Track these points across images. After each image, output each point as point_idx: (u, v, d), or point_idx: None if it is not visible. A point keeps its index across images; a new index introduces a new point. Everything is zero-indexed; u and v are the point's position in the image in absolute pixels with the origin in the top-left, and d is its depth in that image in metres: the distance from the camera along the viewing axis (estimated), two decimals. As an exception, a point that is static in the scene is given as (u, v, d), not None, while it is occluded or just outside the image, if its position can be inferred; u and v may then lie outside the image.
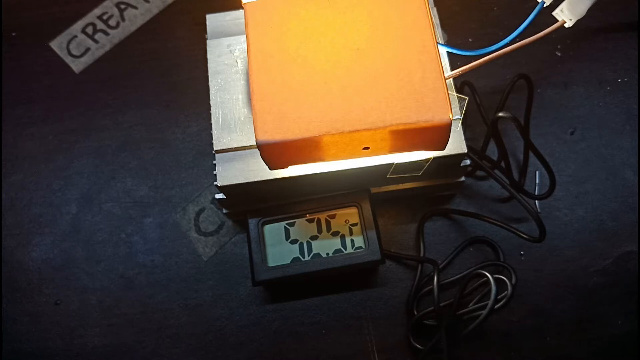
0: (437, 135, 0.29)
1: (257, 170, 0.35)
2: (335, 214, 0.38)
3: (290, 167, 0.35)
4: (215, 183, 0.35)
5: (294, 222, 0.37)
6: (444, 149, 0.31)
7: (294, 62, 0.30)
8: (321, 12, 0.31)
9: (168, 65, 0.47)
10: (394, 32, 0.30)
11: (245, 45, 0.38)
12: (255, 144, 0.35)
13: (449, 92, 0.34)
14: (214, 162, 0.36)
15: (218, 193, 0.37)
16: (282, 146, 0.29)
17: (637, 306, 0.38)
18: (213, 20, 0.39)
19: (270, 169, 0.32)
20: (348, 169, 0.35)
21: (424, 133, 0.29)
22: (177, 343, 0.39)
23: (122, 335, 0.39)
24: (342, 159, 0.32)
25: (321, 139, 0.29)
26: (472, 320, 0.34)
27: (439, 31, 0.37)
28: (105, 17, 0.49)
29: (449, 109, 0.28)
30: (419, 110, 0.28)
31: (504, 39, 0.35)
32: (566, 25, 0.35)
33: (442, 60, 0.30)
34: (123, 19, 0.49)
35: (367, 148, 0.30)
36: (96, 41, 0.48)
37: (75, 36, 0.48)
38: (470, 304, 0.35)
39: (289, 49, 0.30)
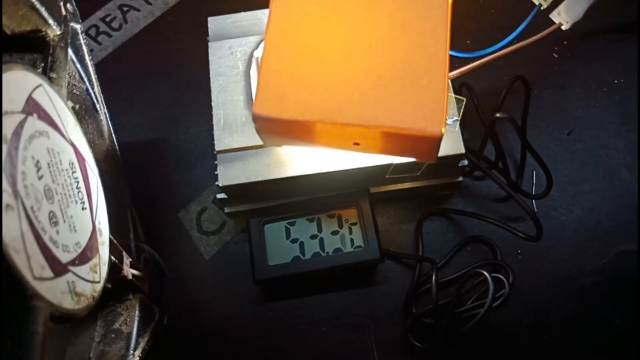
0: (427, 145, 0.29)
1: (258, 171, 0.35)
2: (335, 214, 0.38)
3: (290, 167, 0.35)
4: (216, 183, 0.36)
5: (295, 221, 0.38)
6: (434, 161, 0.31)
7: (307, 47, 0.30)
8: (343, 4, 0.31)
9: (170, 67, 0.47)
10: (410, 35, 0.30)
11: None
12: (256, 144, 0.35)
13: (447, 93, 0.35)
14: (216, 162, 0.36)
15: (220, 193, 0.37)
16: (276, 123, 0.29)
17: (634, 305, 0.38)
18: (215, 23, 0.39)
19: (265, 145, 0.33)
20: (348, 169, 0.35)
21: (414, 141, 0.29)
22: (177, 343, 0.39)
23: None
24: (333, 149, 0.32)
25: (314, 125, 0.29)
26: (471, 319, 0.34)
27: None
28: (108, 20, 0.49)
29: (444, 123, 0.28)
30: (414, 117, 0.28)
31: (502, 41, 0.35)
32: (563, 27, 0.36)
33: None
34: (125, 21, 0.49)
35: (357, 144, 0.31)
36: (99, 43, 0.48)
37: (79, 38, 0.49)
38: (469, 303, 0.36)
39: (305, 34, 0.30)
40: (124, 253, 0.32)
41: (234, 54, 0.38)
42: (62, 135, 0.28)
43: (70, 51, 0.33)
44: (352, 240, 0.37)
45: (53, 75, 0.30)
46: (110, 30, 0.49)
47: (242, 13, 0.40)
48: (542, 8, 0.36)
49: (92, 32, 0.49)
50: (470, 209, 0.41)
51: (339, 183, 0.37)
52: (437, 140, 0.28)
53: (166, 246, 0.42)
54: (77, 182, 0.28)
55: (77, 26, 0.34)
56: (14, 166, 0.22)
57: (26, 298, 0.19)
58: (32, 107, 0.25)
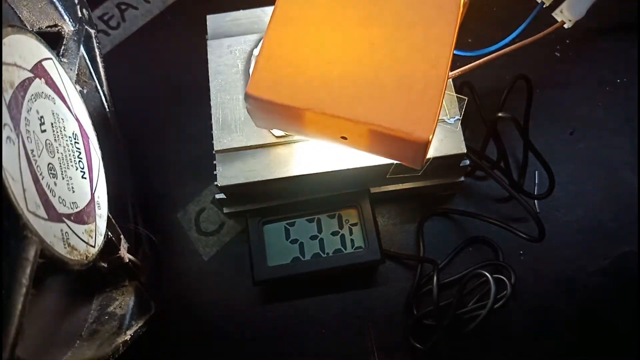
0: (413, 150, 0.29)
1: (257, 170, 0.35)
2: (335, 214, 0.38)
3: (290, 167, 0.35)
4: (215, 183, 0.35)
5: (294, 222, 0.38)
6: (419, 167, 0.31)
7: (310, 35, 0.30)
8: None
9: (168, 66, 0.47)
10: (415, 37, 0.30)
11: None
12: (255, 144, 0.35)
13: (449, 92, 0.34)
14: (215, 162, 0.36)
15: (218, 193, 0.37)
16: (267, 105, 0.29)
17: (636, 306, 0.38)
18: (213, 21, 0.39)
19: (256, 126, 0.33)
20: (348, 169, 0.35)
21: (400, 143, 0.29)
22: (177, 343, 0.39)
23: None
24: (322, 139, 0.32)
25: (304, 113, 0.29)
26: (472, 320, 0.34)
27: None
28: (106, 18, 0.49)
29: (433, 130, 0.28)
30: (404, 120, 0.28)
31: (504, 39, 0.35)
32: (566, 25, 0.36)
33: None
34: (124, 20, 0.49)
35: (345, 138, 0.30)
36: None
37: (76, 37, 0.48)
38: (470, 304, 0.35)
39: (310, 23, 0.30)
40: (122, 236, 0.32)
41: (233, 52, 0.38)
42: (68, 108, 0.30)
43: (82, 50, 0.35)
44: (352, 240, 0.37)
45: (64, 60, 0.32)
46: (108, 29, 0.48)
47: (241, 11, 0.39)
48: (544, 6, 0.35)
49: (90, 30, 0.48)
50: (472, 209, 0.41)
51: (339, 183, 0.37)
52: (423, 146, 0.28)
53: (164, 247, 0.41)
54: (79, 152, 0.30)
55: (92, 31, 0.37)
56: (18, 110, 0.24)
57: (19, 226, 0.21)
58: (40, 72, 0.27)
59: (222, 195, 0.37)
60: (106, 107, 0.38)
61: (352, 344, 0.38)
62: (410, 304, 0.39)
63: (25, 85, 0.25)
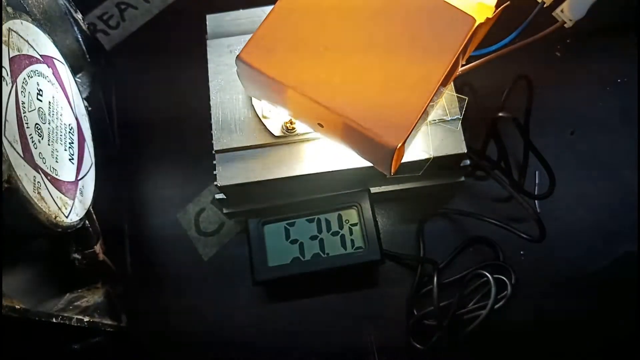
0: (382, 154, 0.29)
1: (257, 170, 0.35)
2: (335, 214, 0.38)
3: (290, 167, 0.35)
4: (215, 183, 0.35)
5: (294, 222, 0.37)
6: (388, 173, 0.31)
7: (315, 17, 0.30)
8: None
9: (168, 66, 0.46)
10: (417, 46, 0.30)
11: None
12: (255, 144, 0.35)
13: (449, 92, 0.34)
14: (214, 162, 0.36)
15: (218, 193, 0.37)
16: (254, 73, 0.30)
17: (636, 306, 0.38)
18: (213, 21, 0.39)
19: (246, 93, 0.34)
20: (348, 169, 0.35)
21: (370, 144, 0.29)
22: (177, 343, 0.39)
23: (122, 335, 0.39)
24: (301, 121, 0.33)
25: (286, 90, 0.29)
26: (472, 320, 0.34)
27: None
28: (105, 17, 0.49)
29: (403, 139, 0.28)
30: (378, 122, 0.28)
31: (504, 39, 0.35)
32: (566, 25, 0.36)
33: (436, 98, 0.30)
34: (123, 19, 0.49)
35: (321, 125, 0.31)
36: (96, 41, 0.48)
37: (76, 36, 0.48)
38: (470, 304, 0.35)
39: (319, 4, 0.30)
40: (101, 237, 0.33)
41: (232, 52, 0.38)
42: (70, 106, 0.30)
43: (100, 88, 0.37)
44: (352, 241, 0.37)
45: (77, 79, 0.33)
46: (108, 28, 0.48)
47: (241, 11, 0.39)
48: (544, 6, 0.35)
49: (89, 30, 0.48)
50: (473, 209, 0.41)
51: (339, 183, 0.37)
52: (391, 152, 0.28)
53: (164, 247, 0.41)
54: (72, 142, 0.30)
55: (112, 83, 0.40)
56: (19, 68, 0.24)
57: None
58: (49, 62, 0.28)
59: (222, 196, 0.37)
60: (110, 139, 0.39)
61: (352, 345, 0.38)
62: (411, 304, 0.38)
63: (32, 60, 0.26)
